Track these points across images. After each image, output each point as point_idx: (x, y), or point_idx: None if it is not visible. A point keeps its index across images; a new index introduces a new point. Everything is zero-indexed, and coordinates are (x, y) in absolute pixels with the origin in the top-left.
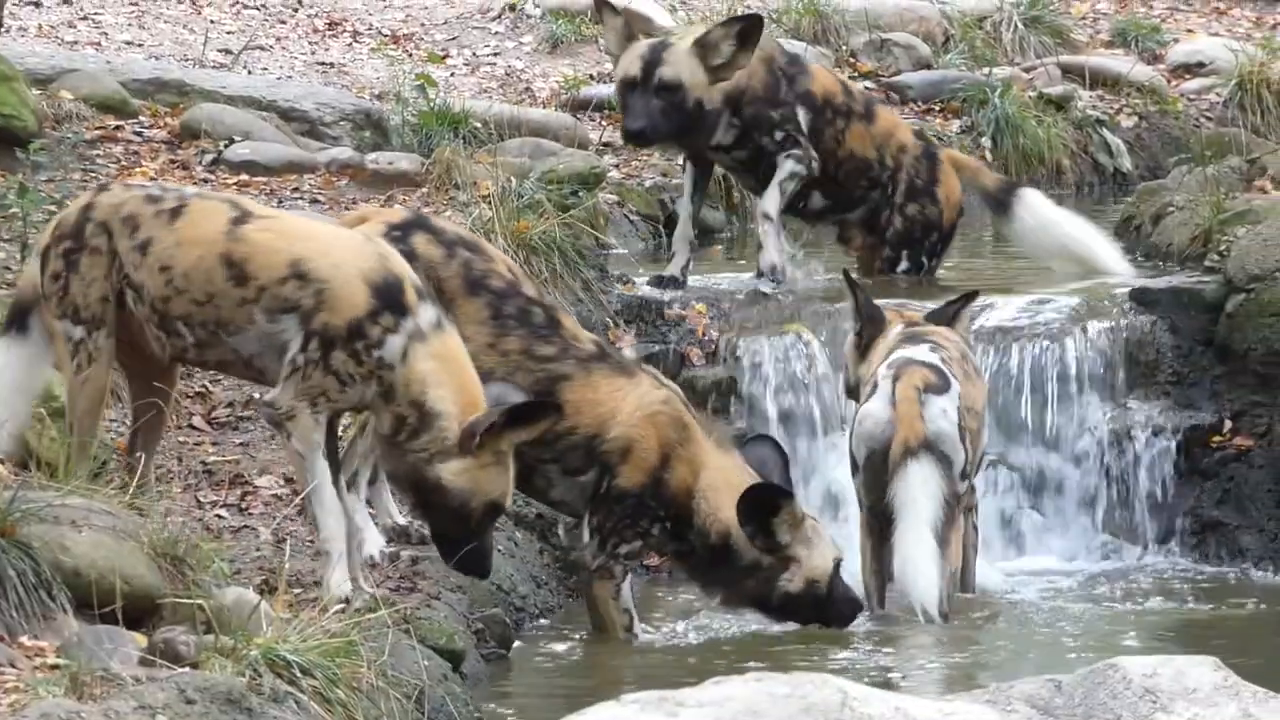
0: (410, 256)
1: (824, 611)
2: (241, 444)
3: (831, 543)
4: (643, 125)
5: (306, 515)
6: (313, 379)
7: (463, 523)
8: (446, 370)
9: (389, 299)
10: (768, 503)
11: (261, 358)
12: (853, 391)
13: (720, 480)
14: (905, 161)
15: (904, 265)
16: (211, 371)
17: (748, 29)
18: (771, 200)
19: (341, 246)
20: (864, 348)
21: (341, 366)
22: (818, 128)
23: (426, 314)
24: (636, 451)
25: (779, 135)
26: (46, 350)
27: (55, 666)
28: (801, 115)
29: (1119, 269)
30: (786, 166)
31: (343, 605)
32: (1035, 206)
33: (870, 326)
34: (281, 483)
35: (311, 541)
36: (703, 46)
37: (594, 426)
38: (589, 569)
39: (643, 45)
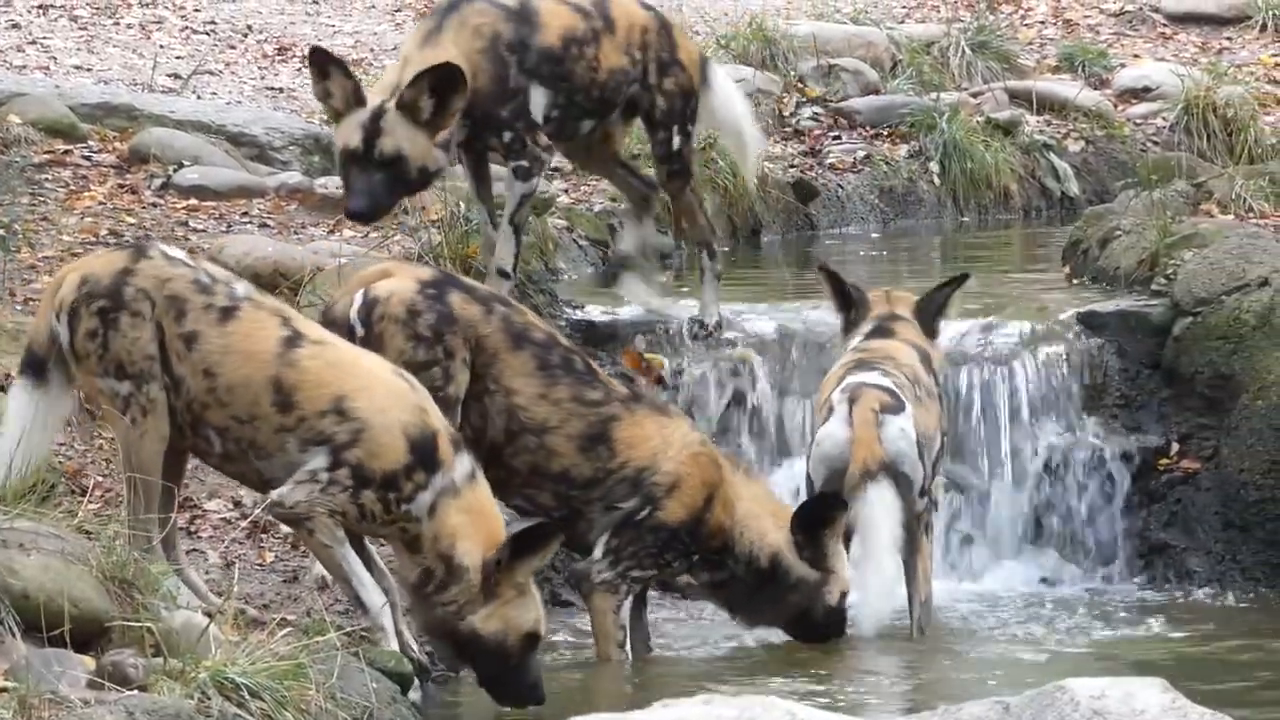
0: (450, 317)
1: (841, 626)
2: (190, 467)
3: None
4: (364, 206)
5: (345, 599)
6: (336, 499)
7: (505, 661)
8: (475, 524)
9: (424, 454)
10: (823, 514)
11: (279, 480)
12: None
13: (758, 508)
14: (650, 42)
15: (676, 141)
16: None
17: (439, 83)
18: (512, 211)
19: (386, 390)
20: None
21: (369, 505)
22: (565, 72)
23: (462, 466)
24: (683, 489)
25: (507, 137)
26: (63, 400)
27: (3, 689)
28: (537, 98)
29: (756, 150)
30: (517, 190)
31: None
32: (723, 80)
33: (859, 309)
34: (230, 506)
35: (260, 564)
36: (407, 109)
37: (645, 460)
38: (593, 582)
39: (363, 114)
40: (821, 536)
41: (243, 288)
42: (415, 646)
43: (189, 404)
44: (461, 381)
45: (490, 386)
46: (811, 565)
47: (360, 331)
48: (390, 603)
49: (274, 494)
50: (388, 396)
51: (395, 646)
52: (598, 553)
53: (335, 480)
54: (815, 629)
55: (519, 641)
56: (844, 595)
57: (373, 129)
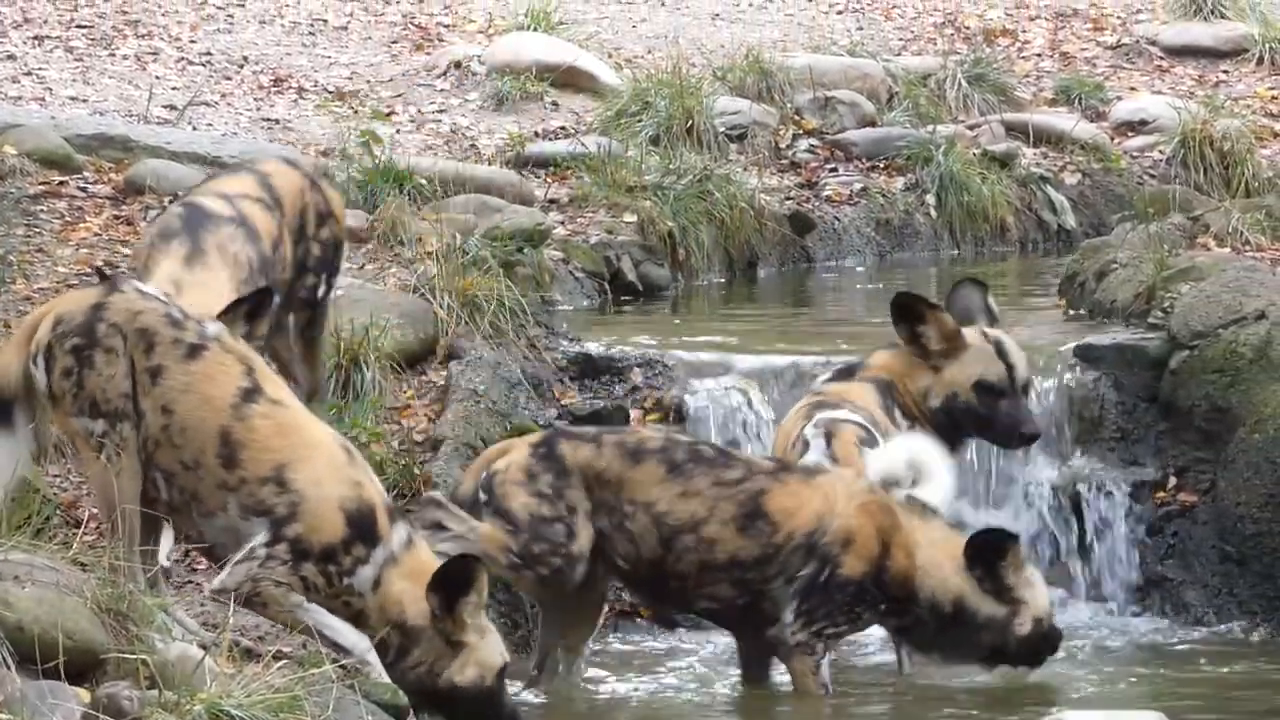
0: (564, 470)
1: (1047, 648)
2: None
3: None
4: None
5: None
6: (277, 571)
7: (489, 699)
8: (420, 585)
9: (362, 528)
10: (994, 546)
11: (224, 547)
12: None
13: (938, 553)
14: (308, 201)
15: (322, 290)
16: None
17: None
18: None
19: (325, 462)
20: None
21: (310, 577)
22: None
23: (398, 535)
24: (859, 541)
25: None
26: (27, 442)
27: None
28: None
29: None
30: None
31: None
32: None
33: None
34: None
35: None
36: None
37: (811, 524)
38: (789, 645)
39: None
40: (999, 569)
41: (214, 328)
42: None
43: (145, 441)
44: (585, 537)
45: (627, 510)
46: (997, 599)
47: (484, 498)
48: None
49: (215, 584)
50: (326, 469)
51: (387, 678)
52: (788, 616)
53: (274, 555)
54: (1013, 660)
55: (495, 679)
56: (1038, 621)
57: None
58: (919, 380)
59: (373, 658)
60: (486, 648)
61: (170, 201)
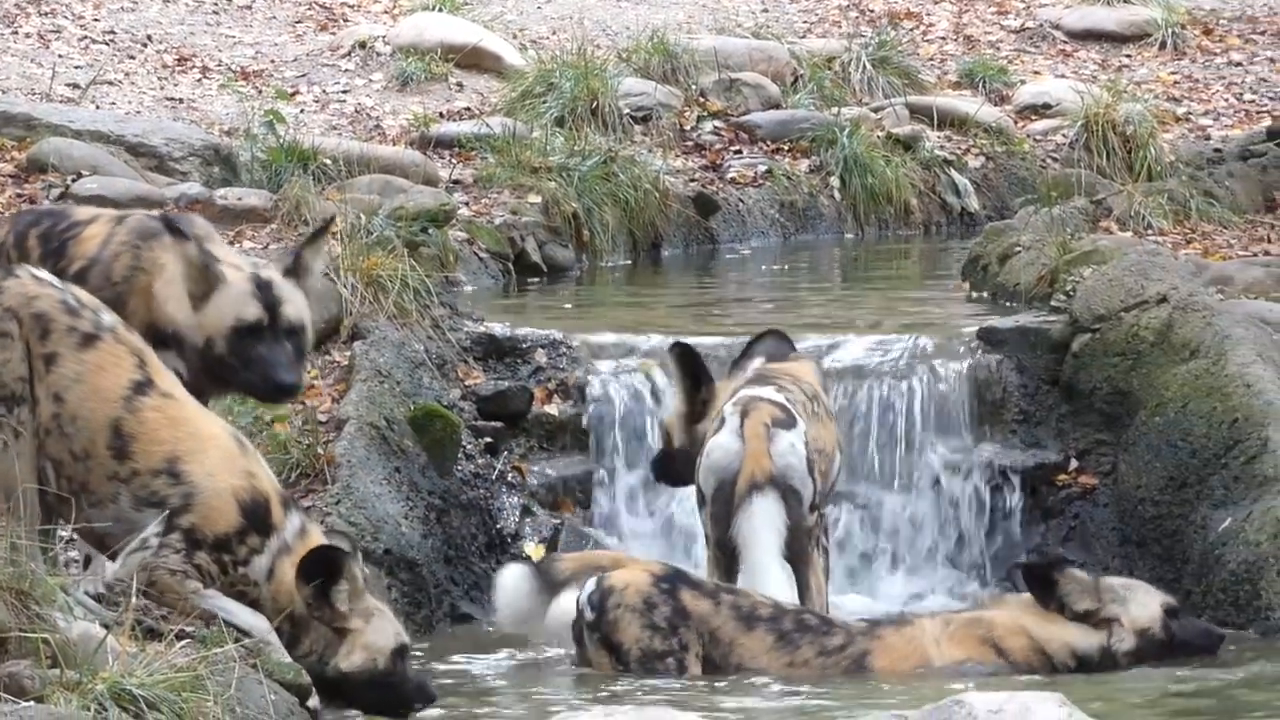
0: (684, 612)
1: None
2: None
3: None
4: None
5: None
6: (170, 560)
7: (383, 683)
8: None
9: (256, 518)
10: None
11: (113, 536)
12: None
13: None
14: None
15: None
16: None
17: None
18: None
19: (219, 454)
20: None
21: (204, 566)
22: None
23: (292, 525)
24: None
25: None
26: None
27: None
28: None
29: None
30: None
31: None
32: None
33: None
34: None
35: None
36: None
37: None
38: None
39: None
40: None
41: (110, 318)
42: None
43: (36, 429)
44: (695, 673)
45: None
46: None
47: (590, 616)
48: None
49: (108, 576)
50: (220, 461)
51: (288, 658)
52: None
53: (167, 544)
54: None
55: (389, 661)
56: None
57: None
58: None
59: (273, 638)
60: (374, 631)
61: (73, 180)
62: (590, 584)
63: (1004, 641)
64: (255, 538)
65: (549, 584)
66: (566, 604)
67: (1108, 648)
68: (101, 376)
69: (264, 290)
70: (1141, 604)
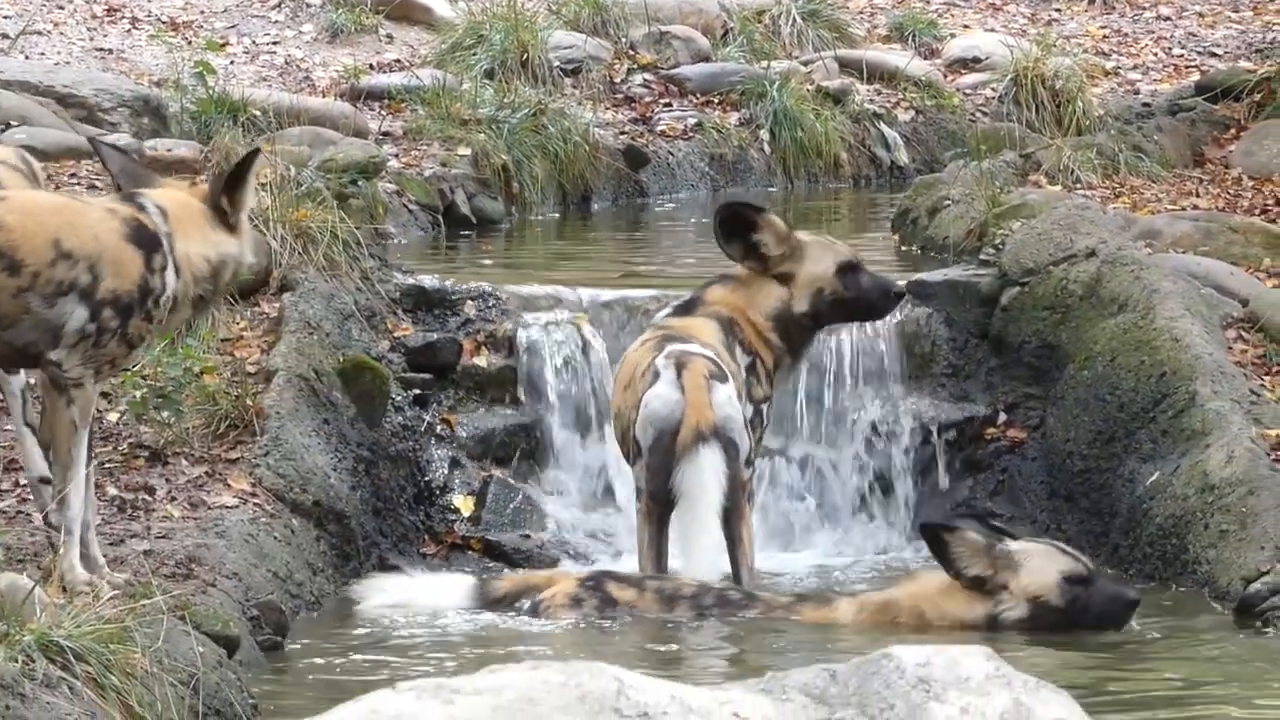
0: (610, 601)
1: None
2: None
3: None
4: None
5: (55, 487)
6: (107, 347)
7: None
8: (200, 230)
9: (150, 243)
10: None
11: (36, 345)
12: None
13: None
14: None
15: None
16: None
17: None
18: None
19: (89, 217)
20: None
21: (135, 331)
22: None
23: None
24: None
25: None
26: None
27: None
28: None
29: None
30: None
31: (116, 591)
32: None
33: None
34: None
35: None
36: None
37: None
38: None
39: None
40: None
41: None
42: (106, 569)
43: None
44: None
45: None
46: None
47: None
48: (87, 522)
49: (52, 355)
50: (93, 219)
51: (75, 557)
52: None
53: (104, 327)
54: None
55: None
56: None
57: None
58: (767, 299)
59: (75, 529)
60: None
61: (2, 129)
62: (526, 604)
63: (906, 624)
64: (159, 257)
65: (485, 602)
66: None
67: (995, 615)
68: None
69: None
70: (1037, 570)
